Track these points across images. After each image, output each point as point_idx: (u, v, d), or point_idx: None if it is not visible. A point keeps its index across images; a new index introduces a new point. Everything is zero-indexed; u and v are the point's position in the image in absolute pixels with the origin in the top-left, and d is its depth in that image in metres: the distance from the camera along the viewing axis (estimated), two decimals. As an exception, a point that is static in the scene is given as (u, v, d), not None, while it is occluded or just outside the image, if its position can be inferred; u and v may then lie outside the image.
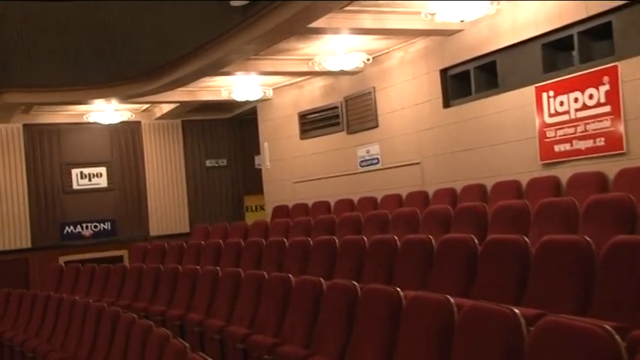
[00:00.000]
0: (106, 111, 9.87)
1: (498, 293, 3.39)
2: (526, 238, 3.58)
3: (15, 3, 8.57)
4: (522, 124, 6.19)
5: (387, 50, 7.72)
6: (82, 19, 8.76)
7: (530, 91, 6.08)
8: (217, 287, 5.35)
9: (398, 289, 3.21)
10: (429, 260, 4.20)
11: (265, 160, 10.40)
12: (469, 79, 6.90)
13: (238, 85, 8.79)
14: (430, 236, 4.36)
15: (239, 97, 8.93)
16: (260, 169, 10.73)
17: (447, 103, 7.22)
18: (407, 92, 7.72)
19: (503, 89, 6.47)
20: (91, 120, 10.05)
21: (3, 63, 8.46)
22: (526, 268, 3.41)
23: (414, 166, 7.61)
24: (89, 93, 8.82)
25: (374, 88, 8.26)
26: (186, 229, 11.24)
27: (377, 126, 8.23)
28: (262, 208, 11.03)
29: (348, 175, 8.69)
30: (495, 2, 5.76)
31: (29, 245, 10.39)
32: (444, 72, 7.21)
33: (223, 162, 11.88)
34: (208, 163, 11.79)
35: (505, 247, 3.60)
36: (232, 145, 11.97)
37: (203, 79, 8.39)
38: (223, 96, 9.01)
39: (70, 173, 10.83)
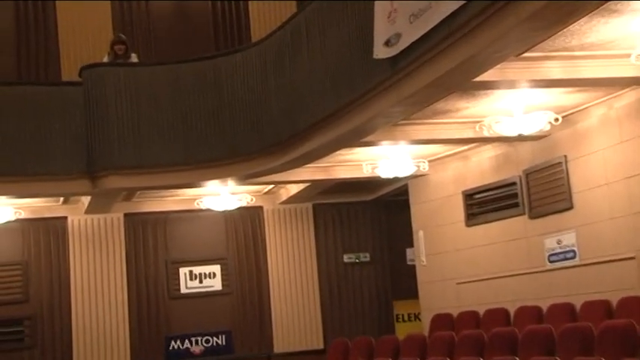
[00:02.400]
0: (221, 195, 10.29)
1: None
2: None
3: (114, 71, 9.30)
4: None
5: (583, 106, 7.59)
6: (193, 84, 9.32)
7: None
8: None
9: None
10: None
11: (420, 255, 10.38)
12: None
13: (384, 159, 8.92)
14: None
15: (385, 173, 9.04)
16: (413, 266, 10.71)
17: (672, 174, 6.92)
18: (613, 161, 7.53)
19: None
20: (203, 206, 10.54)
21: (102, 143, 9.12)
22: None
23: (627, 262, 7.34)
24: (201, 173, 9.25)
25: (565, 157, 8.14)
26: (320, 345, 11.30)
27: (571, 207, 8.08)
28: (417, 317, 10.93)
29: (533, 273, 8.52)
30: None
31: (128, 363, 10.90)
32: (666, 132, 6.97)
33: (366, 257, 11.96)
34: (347, 258, 11.93)
35: None
36: (377, 235, 12.07)
37: (339, 152, 8.58)
38: (365, 173, 9.15)
39: (178, 273, 11.31)
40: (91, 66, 9.49)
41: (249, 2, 12.25)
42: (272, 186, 10.98)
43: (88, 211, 10.71)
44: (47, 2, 11.49)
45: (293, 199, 11.41)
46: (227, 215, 11.34)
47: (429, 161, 9.37)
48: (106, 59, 10.00)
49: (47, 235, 10.96)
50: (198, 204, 10.59)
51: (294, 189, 11.00)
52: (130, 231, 11.28)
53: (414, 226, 10.51)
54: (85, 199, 10.37)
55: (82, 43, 11.35)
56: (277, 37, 8.49)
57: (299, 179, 9.98)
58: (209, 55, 9.75)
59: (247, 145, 8.92)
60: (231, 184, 9.89)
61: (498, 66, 5.89)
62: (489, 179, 9.26)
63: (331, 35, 7.39)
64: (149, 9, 12.02)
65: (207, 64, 9.33)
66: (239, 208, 10.75)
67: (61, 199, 10.62)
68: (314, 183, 10.36)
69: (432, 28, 5.63)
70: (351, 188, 11.23)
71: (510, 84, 6.52)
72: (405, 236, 11.01)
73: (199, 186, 9.82)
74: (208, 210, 10.72)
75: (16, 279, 10.81)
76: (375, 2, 6.38)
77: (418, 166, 9.09)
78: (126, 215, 11.24)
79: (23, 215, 10.31)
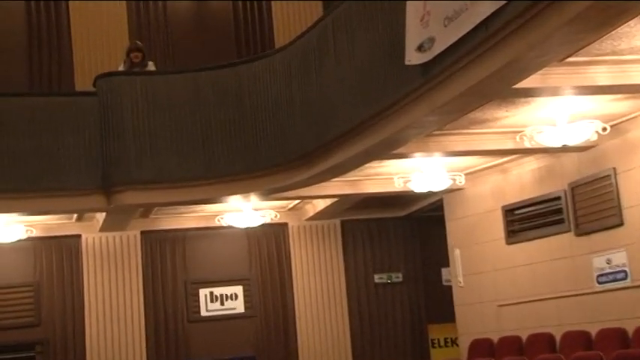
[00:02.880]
0: (243, 211, 10.33)
1: None
2: None
3: (130, 81, 9.36)
4: None
5: (633, 115, 7.51)
6: (213, 94, 9.36)
7: None
8: None
9: None
10: None
11: (457, 275, 10.34)
12: None
13: (417, 172, 8.89)
14: None
15: (418, 187, 9.02)
16: (450, 287, 10.68)
17: None
18: (667, 173, 7.44)
19: None
20: (224, 223, 10.57)
21: (117, 156, 9.17)
22: None
23: (684, 283, 7.22)
24: (222, 188, 9.27)
25: (614, 169, 8.08)
26: (349, 371, 11.26)
27: (621, 224, 8.01)
28: (454, 342, 10.90)
29: (580, 295, 8.46)
30: None
31: (144, 392, 10.93)
32: None
33: (398, 277, 11.91)
34: (377, 278, 11.88)
35: None
36: (410, 253, 12.03)
37: (369, 164, 8.57)
38: (397, 187, 9.13)
39: (198, 295, 11.32)
40: (105, 75, 9.55)
41: (272, 2, 12.34)
42: (297, 201, 10.98)
43: (103, 229, 10.76)
44: (60, 7, 11.63)
45: (320, 216, 11.41)
46: (250, 233, 11.35)
47: (466, 174, 9.33)
48: (121, 68, 10.07)
49: (60, 254, 11.02)
50: (219, 221, 10.61)
51: (320, 204, 11.00)
52: (148, 250, 11.32)
53: (450, 243, 10.47)
54: (100, 216, 10.42)
55: (96, 50, 11.51)
56: (302, 42, 8.50)
57: (326, 194, 9.97)
58: (230, 62, 9.80)
59: (271, 157, 8.93)
60: (254, 200, 9.90)
61: (540, 72, 5.82)
62: (531, 193, 9.19)
63: (360, 40, 7.38)
64: (167, 14, 12.10)
65: (228, 72, 9.37)
66: (262, 225, 10.76)
67: (75, 216, 10.69)
68: (342, 198, 10.35)
69: (468, 32, 5.57)
70: (382, 203, 11.21)
71: (553, 91, 6.45)
72: (440, 255, 10.97)
73: (220, 202, 9.83)
74: (230, 227, 10.75)
75: (28, 301, 10.88)
76: (407, 4, 6.35)
77: (454, 180, 9.05)
78: (143, 233, 11.29)
79: (35, 233, 10.38)
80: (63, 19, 11.63)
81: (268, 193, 9.47)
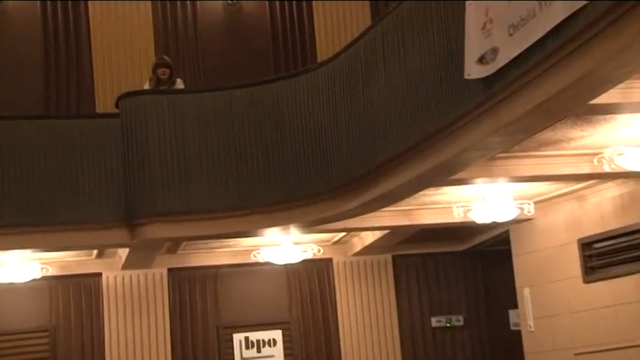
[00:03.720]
0: (282, 245, 10.34)
1: None
2: None
3: (157, 100, 9.47)
4: None
5: None
6: (249, 114, 9.42)
7: None
8: None
9: None
10: None
11: (526, 318, 10.24)
12: None
13: (479, 200, 8.85)
14: None
15: (481, 217, 8.98)
16: (518, 332, 10.59)
17: None
18: None
19: None
20: (260, 259, 10.59)
21: (142, 184, 9.22)
22: None
23: None
24: (258, 220, 9.27)
25: None
26: None
27: None
28: (524, 395, 10.73)
29: None
30: None
31: None
32: None
33: (459, 320, 11.83)
34: (435, 321, 11.80)
35: None
36: (472, 293, 11.96)
37: (425, 192, 8.53)
38: (456, 217, 9.10)
39: (231, 340, 11.27)
40: (129, 94, 9.65)
41: (314, 1, 12.47)
42: (343, 234, 10.97)
43: (125, 267, 10.82)
44: (79, 20, 11.83)
45: (369, 250, 11.37)
46: (289, 270, 11.35)
47: (535, 203, 9.25)
48: (147, 86, 10.16)
49: (78, 295, 11.06)
50: (255, 256, 10.65)
51: (369, 237, 10.96)
52: (175, 289, 11.33)
53: (518, 282, 10.39)
54: (123, 252, 10.46)
55: (119, 67, 11.68)
56: (348, 55, 8.51)
57: (376, 225, 9.94)
58: (267, 78, 9.88)
59: (313, 184, 8.94)
60: (294, 233, 9.90)
61: (621, 85, 5.75)
62: (612, 224, 9.10)
63: (413, 51, 7.38)
64: (197, 26, 12.25)
65: (265, 89, 9.44)
66: (304, 261, 10.76)
67: (95, 252, 10.73)
68: (394, 230, 10.30)
69: (537, 41, 5.51)
70: (440, 236, 11.16)
71: (636, 107, 6.37)
72: (506, 295, 10.92)
73: (257, 235, 9.86)
74: (267, 264, 10.76)
75: (43, 347, 10.90)
76: (467, 10, 6.32)
77: (522, 209, 8.99)
78: (170, 270, 11.31)
79: (51, 272, 10.43)
80: (82, 32, 11.82)
81: (310, 225, 9.47)
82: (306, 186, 8.98)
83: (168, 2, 12.11)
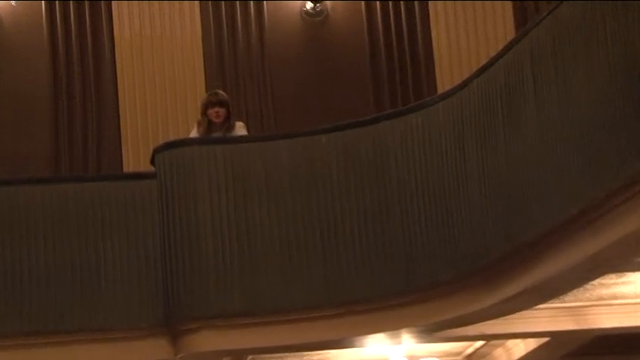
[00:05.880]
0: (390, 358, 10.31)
1: None
2: None
3: (208, 153, 9.45)
4: None
5: None
6: (339, 169, 9.36)
7: None
8: None
9: None
10: None
11: None
12: None
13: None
14: None
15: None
16: None
17: None
18: None
19: None
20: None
21: (188, 276, 9.21)
22: None
23: None
24: (354, 322, 9.14)
25: None
26: None
27: None
28: None
29: None
30: None
31: None
32: None
33: None
34: None
35: None
36: None
37: (600, 280, 8.35)
38: (650, 319, 8.87)
39: None
40: (170, 146, 9.63)
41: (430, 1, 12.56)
42: (480, 343, 10.87)
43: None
44: (99, 40, 12.05)
45: (521, 365, 11.24)
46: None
47: None
48: (194, 133, 10.21)
49: None
50: (352, 373, 10.57)
51: (520, 349, 10.79)
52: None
53: None
54: (163, 372, 10.50)
55: (155, 108, 11.95)
56: (483, 81, 8.36)
57: (528, 331, 9.77)
58: (366, 118, 9.76)
59: (433, 270, 8.84)
60: (406, 341, 9.79)
61: None
62: None
63: (579, 75, 7.17)
64: (264, 45, 12.34)
65: (363, 133, 9.39)
66: (424, 384, 10.67)
67: (126, 369, 10.75)
68: (556, 337, 10.09)
69: None
70: (627, 346, 10.90)
71: None
72: None
73: (353, 345, 9.80)
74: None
75: None
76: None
77: None
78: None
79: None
80: (105, 61, 12.03)
81: (430, 330, 9.33)
82: (422, 273, 8.90)
83: (223, 12, 12.21)
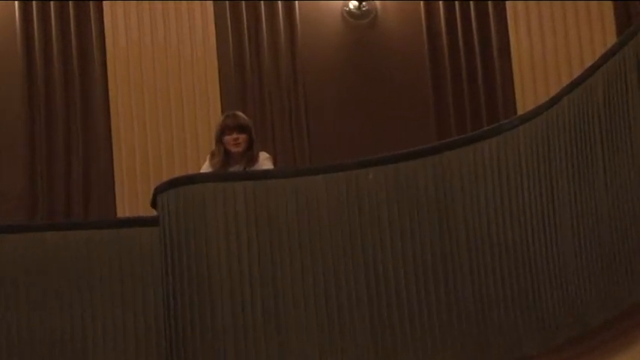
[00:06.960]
0: None
1: None
2: None
3: (224, 192, 9.27)
4: None
5: None
6: (389, 209, 9.19)
7: None
8: None
9: None
10: None
11: None
12: None
13: None
14: None
15: None
16: None
17: None
18: None
19: None
20: None
21: (197, 340, 9.09)
22: None
23: None
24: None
25: None
26: None
27: None
28: None
29: None
30: None
31: None
32: None
33: None
34: None
35: None
36: None
37: None
38: None
39: None
40: (175, 183, 9.51)
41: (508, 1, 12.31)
42: None
43: None
44: (86, 50, 11.87)
45: None
46: None
47: None
48: (206, 167, 10.13)
49: None
50: None
51: None
52: None
53: None
54: None
55: (156, 135, 11.80)
56: (575, 98, 8.10)
57: None
58: (425, 147, 9.66)
59: (515, 342, 8.65)
60: None
61: None
62: None
63: None
64: (296, 53, 12.09)
65: (422, 166, 9.23)
66: None
67: None
68: None
69: None
70: None
71: None
72: None
73: None
74: None
75: None
76: None
77: None
78: None
79: None
80: (94, 75, 11.86)
81: None
82: (499, 345, 8.74)
83: (243, 14, 12.01)
